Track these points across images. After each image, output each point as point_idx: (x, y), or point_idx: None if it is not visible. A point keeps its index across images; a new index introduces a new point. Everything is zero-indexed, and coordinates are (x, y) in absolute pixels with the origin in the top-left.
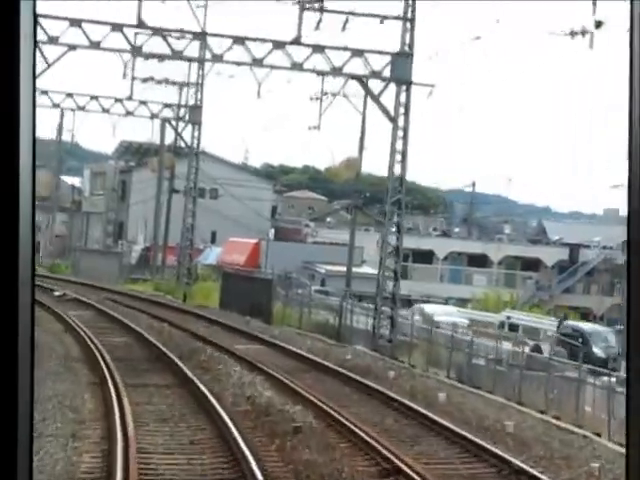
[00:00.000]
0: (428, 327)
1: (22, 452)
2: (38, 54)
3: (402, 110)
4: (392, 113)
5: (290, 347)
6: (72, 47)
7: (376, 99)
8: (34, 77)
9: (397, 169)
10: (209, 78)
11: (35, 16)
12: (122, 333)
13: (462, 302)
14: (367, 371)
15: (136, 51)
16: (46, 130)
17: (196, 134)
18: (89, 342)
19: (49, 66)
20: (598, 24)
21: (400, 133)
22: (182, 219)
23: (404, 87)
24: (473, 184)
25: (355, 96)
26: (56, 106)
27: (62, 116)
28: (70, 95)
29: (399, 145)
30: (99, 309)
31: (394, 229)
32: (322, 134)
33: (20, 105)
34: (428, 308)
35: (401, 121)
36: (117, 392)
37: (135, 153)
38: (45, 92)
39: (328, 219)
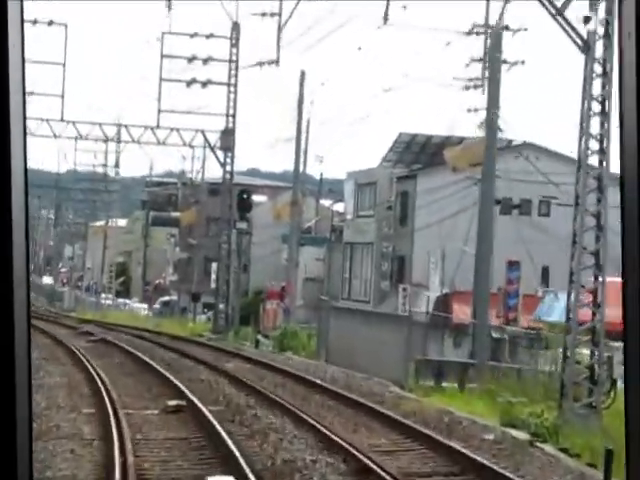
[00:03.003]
0: None
1: (22, 454)
2: None
3: None
4: None
5: None
6: None
7: None
8: (24, 79)
9: None
10: None
11: (22, 19)
12: None
13: None
14: None
15: None
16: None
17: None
18: None
19: None
20: (586, 19)
21: None
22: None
23: None
24: None
25: None
26: None
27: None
28: None
29: None
30: None
31: None
32: None
33: (10, 114)
34: None
35: None
36: None
37: (421, 151)
38: None
39: None
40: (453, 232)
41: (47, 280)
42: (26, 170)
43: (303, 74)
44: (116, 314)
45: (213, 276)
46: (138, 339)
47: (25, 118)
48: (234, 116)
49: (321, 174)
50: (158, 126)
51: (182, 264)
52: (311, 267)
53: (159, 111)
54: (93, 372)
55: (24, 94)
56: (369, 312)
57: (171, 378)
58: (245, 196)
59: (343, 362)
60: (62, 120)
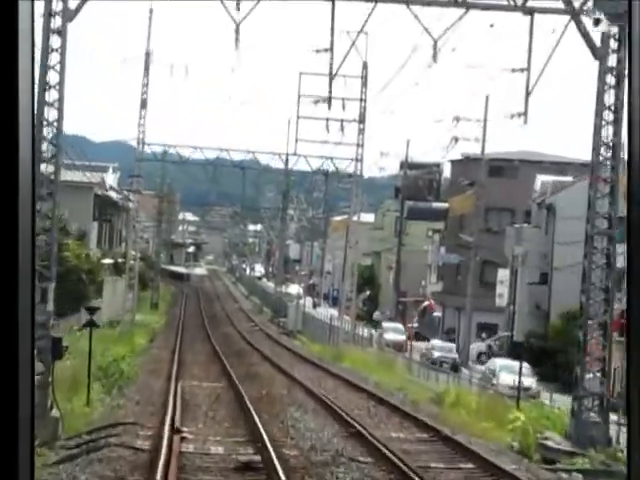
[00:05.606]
0: None
1: (23, 454)
2: None
3: None
4: None
5: None
6: None
7: None
8: (32, 74)
9: None
10: None
11: (33, 15)
12: None
13: None
14: None
15: None
16: None
17: None
18: None
19: None
20: (596, 21)
21: None
22: None
23: None
24: None
25: None
26: None
27: None
28: None
29: None
30: None
31: None
32: None
33: (19, 104)
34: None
35: None
36: None
37: None
38: None
39: None
40: None
41: (293, 289)
42: (34, 166)
43: None
44: (357, 354)
45: (499, 289)
46: None
47: (34, 109)
48: None
49: None
50: None
51: (448, 270)
52: None
53: None
54: None
55: (33, 88)
56: None
57: None
58: None
59: None
60: None
